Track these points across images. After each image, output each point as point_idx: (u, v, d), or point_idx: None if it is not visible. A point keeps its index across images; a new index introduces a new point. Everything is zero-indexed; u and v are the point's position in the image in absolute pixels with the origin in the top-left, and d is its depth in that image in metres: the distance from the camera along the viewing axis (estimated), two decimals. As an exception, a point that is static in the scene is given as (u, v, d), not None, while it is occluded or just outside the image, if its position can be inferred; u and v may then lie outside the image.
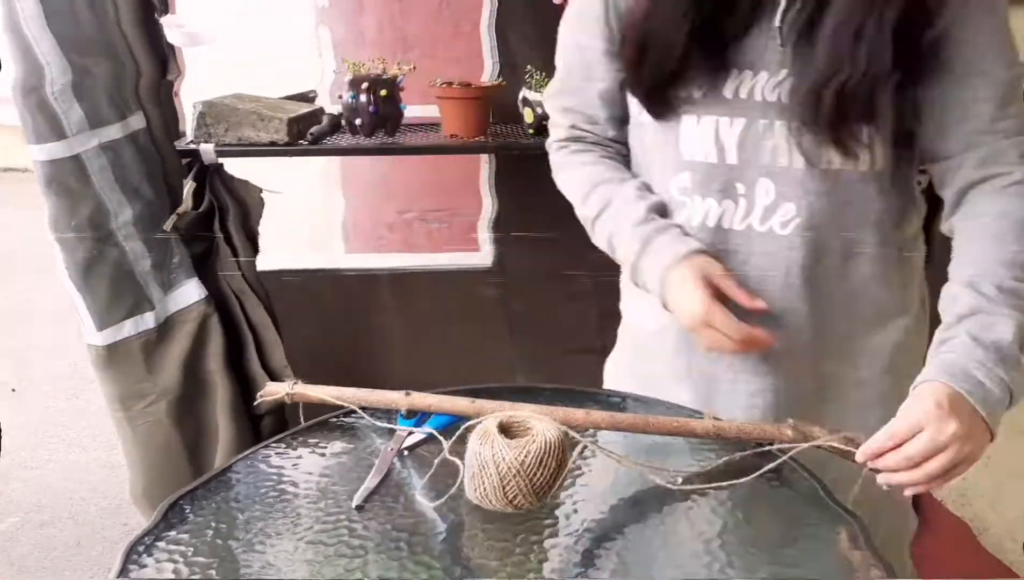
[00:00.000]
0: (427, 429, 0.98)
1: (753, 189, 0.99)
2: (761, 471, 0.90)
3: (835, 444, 0.90)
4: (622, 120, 1.11)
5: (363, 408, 1.03)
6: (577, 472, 0.93)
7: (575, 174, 1.14)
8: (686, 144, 1.01)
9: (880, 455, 0.84)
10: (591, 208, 1.11)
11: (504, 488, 0.83)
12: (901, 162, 1.02)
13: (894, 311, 1.08)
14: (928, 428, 0.81)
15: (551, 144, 1.18)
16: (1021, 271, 0.90)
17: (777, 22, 0.94)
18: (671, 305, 1.00)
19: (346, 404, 1.03)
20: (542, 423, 0.88)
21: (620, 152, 1.14)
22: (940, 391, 0.83)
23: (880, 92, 0.91)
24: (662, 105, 1.01)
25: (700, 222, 1.03)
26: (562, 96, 1.14)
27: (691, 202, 1.03)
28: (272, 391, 1.05)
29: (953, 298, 0.92)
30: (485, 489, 0.84)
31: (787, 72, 0.94)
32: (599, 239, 1.12)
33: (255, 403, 1.07)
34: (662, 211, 1.05)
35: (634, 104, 1.05)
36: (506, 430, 0.89)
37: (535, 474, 0.83)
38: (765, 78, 0.96)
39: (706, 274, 0.97)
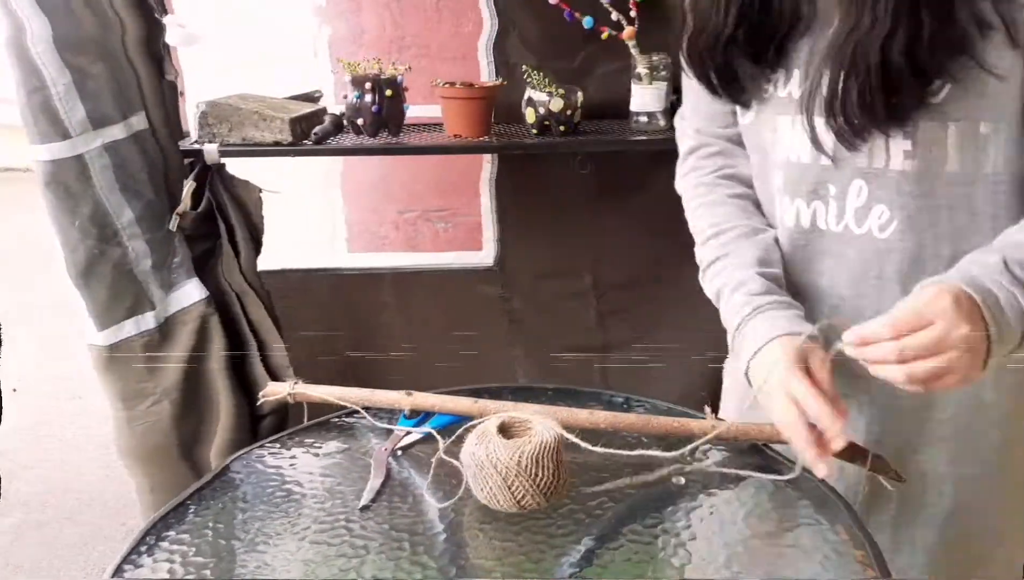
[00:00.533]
0: (426, 429, 0.97)
1: (846, 190, 0.95)
2: (781, 477, 0.89)
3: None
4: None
5: (365, 408, 1.03)
6: (577, 471, 0.92)
7: (701, 212, 1.10)
8: (785, 144, 0.98)
9: (871, 343, 0.80)
10: (708, 252, 1.07)
11: (510, 488, 0.83)
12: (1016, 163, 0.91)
13: None
14: (940, 322, 0.77)
15: (682, 153, 1.16)
16: None
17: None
18: (755, 384, 0.93)
19: (348, 404, 1.03)
20: (542, 423, 0.88)
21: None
22: (959, 292, 0.79)
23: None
24: (731, 91, 0.99)
25: (794, 223, 1.00)
26: (689, 118, 1.14)
27: (783, 202, 1.01)
28: (274, 391, 1.05)
29: (1008, 232, 0.88)
30: (491, 489, 0.84)
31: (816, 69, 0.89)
32: (708, 287, 1.07)
33: (257, 403, 1.07)
34: (774, 279, 1.00)
35: (747, 115, 1.03)
36: (506, 430, 0.88)
37: (536, 474, 0.83)
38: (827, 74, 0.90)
39: (801, 356, 0.89)
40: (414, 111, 1.79)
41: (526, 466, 0.83)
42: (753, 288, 0.97)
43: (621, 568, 0.78)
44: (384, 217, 2.17)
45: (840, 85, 0.86)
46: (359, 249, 2.20)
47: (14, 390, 3.19)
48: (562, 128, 1.74)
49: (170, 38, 1.65)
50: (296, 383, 1.04)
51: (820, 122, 0.91)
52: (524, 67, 1.74)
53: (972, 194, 0.91)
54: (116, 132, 1.58)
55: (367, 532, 0.83)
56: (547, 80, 1.71)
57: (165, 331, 1.70)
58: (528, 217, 2.10)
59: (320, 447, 1.00)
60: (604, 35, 1.83)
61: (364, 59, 1.71)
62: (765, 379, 0.90)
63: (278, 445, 1.01)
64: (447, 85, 1.77)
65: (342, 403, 1.03)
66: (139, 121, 1.63)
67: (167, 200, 1.70)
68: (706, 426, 0.95)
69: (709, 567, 0.78)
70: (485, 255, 2.14)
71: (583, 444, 0.90)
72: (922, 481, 1.01)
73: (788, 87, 0.96)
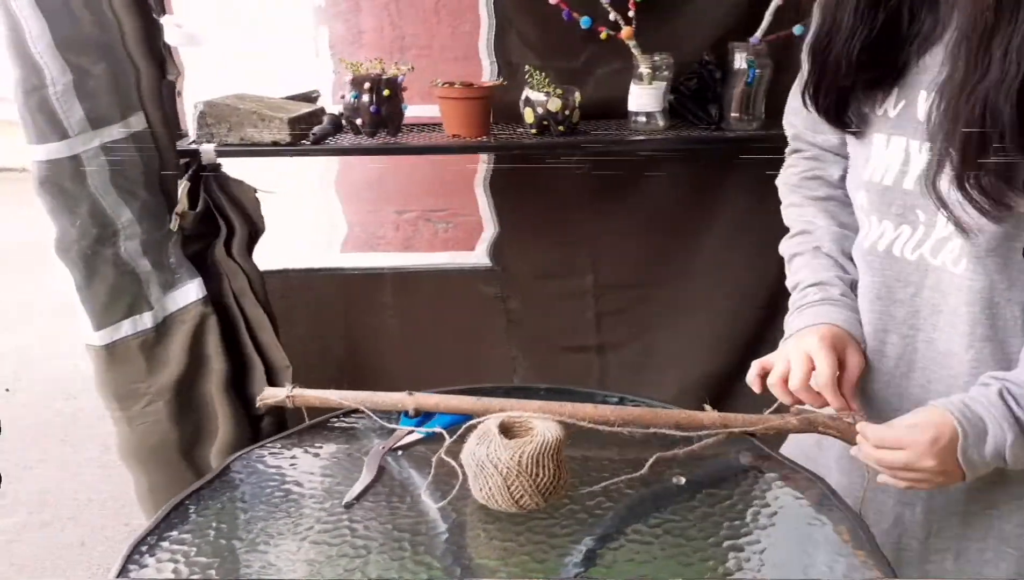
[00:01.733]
0: (425, 429, 0.97)
1: (934, 218, 0.91)
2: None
3: (836, 426, 0.93)
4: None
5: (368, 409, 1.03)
6: (577, 471, 0.93)
7: (786, 213, 1.14)
8: (872, 163, 0.97)
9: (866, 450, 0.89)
10: (790, 248, 1.10)
11: (509, 489, 0.83)
12: None
13: None
14: (908, 452, 0.86)
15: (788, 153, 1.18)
16: None
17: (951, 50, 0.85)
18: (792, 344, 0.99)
19: (349, 406, 1.03)
20: (543, 423, 0.88)
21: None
22: (942, 427, 0.86)
23: None
24: (840, 121, 0.98)
25: (871, 244, 0.99)
26: (790, 120, 1.15)
27: (868, 222, 1.00)
28: (271, 396, 1.04)
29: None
30: (491, 490, 0.84)
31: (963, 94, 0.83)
32: (789, 280, 1.10)
33: (256, 406, 1.07)
34: (842, 283, 1.04)
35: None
36: (507, 430, 0.89)
37: (536, 474, 0.83)
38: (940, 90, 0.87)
39: (840, 342, 0.97)
40: (412, 111, 1.79)
41: (527, 466, 0.83)
42: (831, 289, 1.03)
43: (624, 568, 0.78)
44: (383, 217, 2.18)
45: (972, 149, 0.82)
46: (357, 249, 2.21)
47: (7, 390, 3.19)
48: (560, 128, 1.74)
49: (168, 38, 1.65)
50: (294, 388, 1.04)
51: (949, 192, 0.86)
52: (527, 67, 1.74)
53: None
54: (114, 132, 1.57)
55: (369, 532, 0.83)
56: (546, 80, 1.71)
57: (162, 331, 1.69)
58: (526, 217, 2.10)
59: (321, 447, 1.01)
60: (603, 35, 1.83)
61: (365, 59, 1.71)
62: (798, 330, 0.99)
63: (279, 445, 1.01)
64: (446, 85, 1.77)
65: (343, 404, 1.03)
66: (137, 121, 1.63)
67: (164, 200, 1.70)
68: (715, 418, 0.95)
69: (711, 568, 0.79)
70: (483, 255, 2.14)
71: (601, 427, 0.91)
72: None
73: (884, 106, 0.94)
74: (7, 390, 3.19)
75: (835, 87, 0.95)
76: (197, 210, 1.71)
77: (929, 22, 0.90)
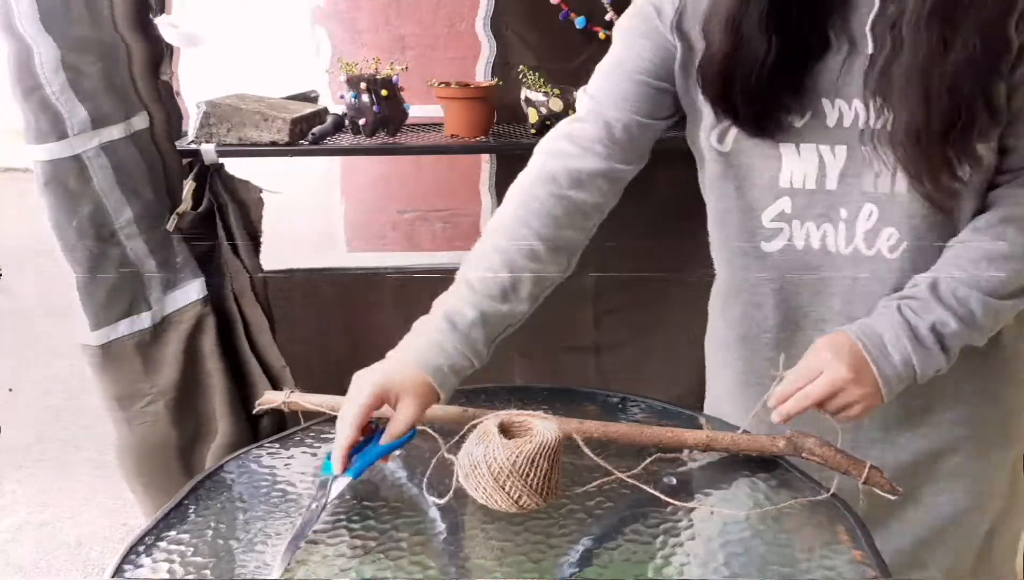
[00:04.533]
0: (345, 479, 0.87)
1: (856, 214, 0.98)
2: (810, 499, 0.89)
3: (822, 453, 0.91)
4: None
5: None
6: (573, 472, 0.93)
7: (520, 181, 1.08)
8: (786, 172, 0.99)
9: (787, 397, 0.92)
10: (480, 245, 1.02)
11: (504, 488, 0.83)
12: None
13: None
14: (824, 373, 0.90)
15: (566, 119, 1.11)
16: (984, 285, 0.92)
17: (870, 49, 0.92)
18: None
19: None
20: (543, 423, 0.88)
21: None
22: (841, 339, 0.92)
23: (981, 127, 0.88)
24: (764, 129, 0.98)
25: (804, 245, 1.02)
26: (595, 95, 1.07)
27: (789, 228, 1.02)
28: (269, 399, 1.06)
29: (914, 282, 0.95)
30: (487, 489, 0.84)
31: (881, 103, 0.91)
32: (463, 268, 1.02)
33: (254, 412, 1.08)
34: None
35: (714, 136, 1.01)
36: (507, 430, 0.88)
37: (528, 474, 0.83)
38: (861, 108, 0.94)
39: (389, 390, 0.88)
40: (413, 111, 1.79)
41: (520, 466, 0.83)
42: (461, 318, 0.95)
43: (621, 568, 0.78)
44: (383, 217, 2.17)
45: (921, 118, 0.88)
46: (358, 249, 2.21)
47: (10, 390, 3.19)
48: (561, 128, 1.74)
49: (166, 38, 1.65)
50: (292, 392, 1.05)
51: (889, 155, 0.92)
52: (520, 67, 1.74)
53: (976, 208, 0.96)
54: (114, 132, 1.57)
55: (366, 532, 0.83)
56: (542, 80, 1.71)
57: (159, 331, 1.69)
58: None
59: (319, 448, 1.01)
60: (601, 35, 1.83)
61: (363, 59, 1.71)
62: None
63: (277, 445, 1.01)
64: (443, 85, 1.77)
65: (336, 413, 1.01)
66: (138, 121, 1.63)
67: (166, 200, 1.70)
68: (700, 436, 0.95)
69: (709, 567, 0.79)
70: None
71: (586, 450, 0.90)
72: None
73: (790, 118, 0.96)
74: (10, 390, 3.19)
75: (754, 99, 0.95)
76: (198, 210, 1.71)
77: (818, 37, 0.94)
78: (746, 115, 0.97)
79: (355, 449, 0.87)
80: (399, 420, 0.87)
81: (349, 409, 0.86)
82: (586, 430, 0.95)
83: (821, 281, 1.02)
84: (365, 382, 0.88)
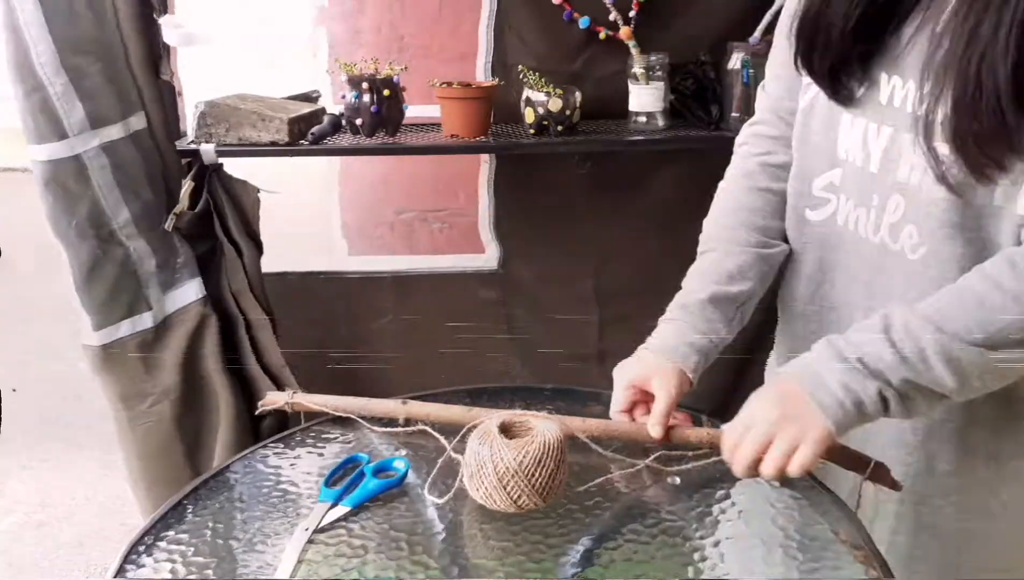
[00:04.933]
0: (344, 507, 0.87)
1: (885, 203, 0.92)
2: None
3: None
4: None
5: (362, 417, 1.04)
6: (576, 471, 0.93)
7: (723, 196, 1.13)
8: (842, 143, 0.96)
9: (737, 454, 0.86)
10: (703, 233, 1.11)
11: (506, 488, 0.83)
12: None
13: None
14: (753, 428, 0.84)
15: (746, 125, 1.16)
16: (949, 326, 0.81)
17: (940, 27, 0.83)
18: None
19: (345, 414, 1.04)
20: (544, 423, 0.88)
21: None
22: (773, 389, 0.88)
23: None
24: (835, 93, 0.94)
25: (843, 223, 0.98)
26: (762, 95, 1.13)
27: (836, 201, 0.98)
28: (272, 401, 1.07)
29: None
30: (487, 489, 0.84)
31: (933, 84, 0.82)
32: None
33: (257, 412, 1.09)
34: (722, 298, 1.03)
35: (805, 98, 1.00)
36: (507, 430, 0.89)
37: (533, 474, 0.83)
38: (913, 89, 0.86)
39: (644, 376, 0.98)
40: (412, 111, 1.79)
41: (527, 466, 0.83)
42: (690, 298, 1.03)
43: (621, 568, 0.78)
44: (382, 218, 2.17)
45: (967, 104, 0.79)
46: (357, 251, 2.20)
47: (13, 390, 3.19)
48: (560, 128, 1.74)
49: (168, 38, 1.65)
50: (295, 393, 1.05)
51: (943, 149, 0.83)
52: (520, 67, 1.75)
53: (999, 228, 0.85)
54: (114, 132, 1.58)
55: (366, 532, 0.83)
56: (543, 80, 1.71)
57: (161, 331, 1.70)
58: (527, 218, 2.09)
59: (323, 447, 1.01)
60: (601, 35, 1.83)
61: (363, 59, 1.71)
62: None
63: (281, 445, 1.01)
64: (444, 85, 1.77)
65: (339, 413, 1.04)
66: (137, 121, 1.63)
67: (166, 200, 1.70)
68: (702, 434, 0.95)
69: (709, 567, 0.79)
70: (486, 258, 2.13)
71: (593, 446, 0.92)
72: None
73: (849, 86, 0.93)
74: (14, 390, 3.19)
75: (828, 56, 0.92)
76: (195, 210, 1.71)
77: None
78: (820, 71, 0.94)
79: (351, 480, 0.90)
80: (658, 406, 0.95)
81: (613, 404, 1.00)
82: (588, 428, 0.95)
83: (852, 266, 0.98)
84: (620, 376, 1.01)
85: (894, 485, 0.91)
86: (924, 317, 0.82)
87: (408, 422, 1.02)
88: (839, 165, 0.97)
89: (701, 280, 1.05)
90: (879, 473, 0.89)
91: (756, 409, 0.86)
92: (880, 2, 0.88)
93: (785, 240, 1.08)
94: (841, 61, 0.92)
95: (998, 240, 0.85)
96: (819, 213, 1.01)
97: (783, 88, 1.07)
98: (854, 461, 0.89)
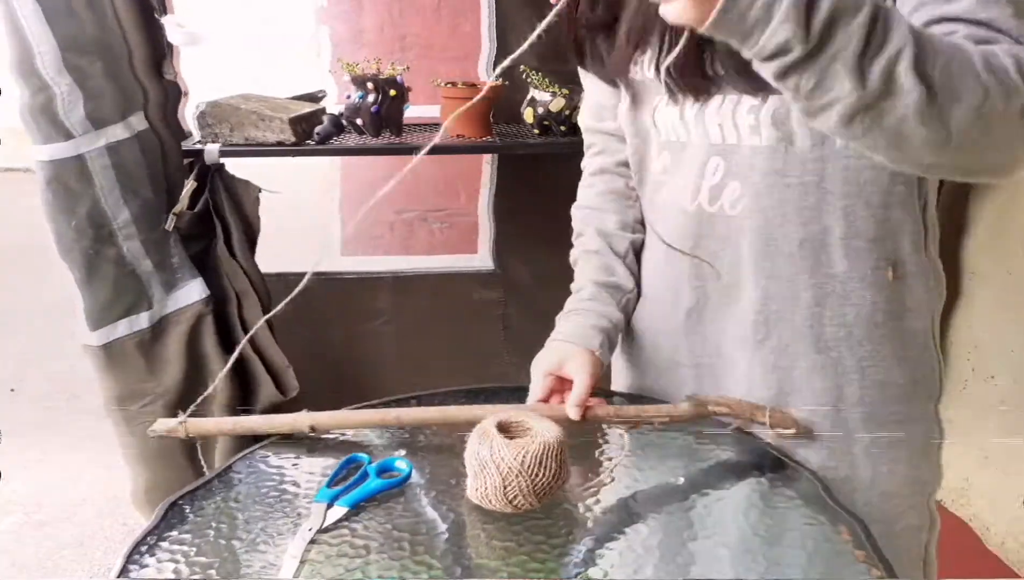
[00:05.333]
0: (342, 508, 0.87)
1: (703, 167, 0.96)
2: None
3: (727, 403, 0.95)
4: None
5: (267, 435, 1.01)
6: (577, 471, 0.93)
7: (577, 212, 1.21)
8: (661, 124, 1.01)
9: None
10: (572, 254, 1.18)
11: (505, 489, 0.83)
12: None
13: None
14: None
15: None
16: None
17: None
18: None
19: (245, 433, 1.01)
20: (541, 423, 0.88)
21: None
22: None
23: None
24: (625, 84, 1.02)
25: (673, 201, 1.01)
26: (582, 116, 1.21)
27: (669, 180, 1.02)
28: (164, 427, 0.99)
29: None
30: (486, 489, 0.84)
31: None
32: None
33: (148, 433, 1.01)
34: (608, 286, 1.09)
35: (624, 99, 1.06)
36: (505, 430, 0.89)
37: (536, 474, 0.83)
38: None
39: (559, 363, 1.01)
40: (414, 111, 1.79)
41: (529, 466, 0.83)
42: (581, 294, 1.09)
43: (623, 568, 0.79)
44: (382, 218, 2.17)
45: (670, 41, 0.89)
46: (356, 251, 2.20)
47: (12, 390, 3.19)
48: (562, 128, 1.74)
49: (170, 38, 1.65)
50: (186, 418, 0.98)
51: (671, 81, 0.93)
52: (523, 68, 1.75)
53: (822, 172, 0.90)
54: (117, 132, 1.58)
55: (368, 532, 0.83)
56: (547, 81, 1.71)
57: (158, 331, 1.69)
58: (527, 219, 2.09)
59: (324, 447, 1.01)
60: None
61: (364, 59, 1.71)
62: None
63: (282, 445, 1.01)
64: (449, 85, 1.77)
65: (237, 434, 1.00)
66: (140, 121, 1.63)
67: (167, 200, 1.70)
68: (609, 411, 0.97)
69: (710, 567, 0.79)
70: (483, 258, 2.14)
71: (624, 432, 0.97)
72: None
73: (639, 63, 0.98)
74: (12, 390, 3.19)
75: (577, 32, 1.02)
76: (195, 210, 1.71)
77: None
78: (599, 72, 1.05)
79: (354, 481, 0.90)
80: (576, 389, 0.96)
81: (531, 394, 1.02)
82: (507, 415, 0.92)
83: (699, 238, 1.00)
84: (537, 367, 1.03)
85: (798, 428, 0.94)
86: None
87: (313, 429, 0.99)
88: (664, 148, 1.02)
89: (582, 277, 1.13)
90: (777, 417, 0.93)
91: None
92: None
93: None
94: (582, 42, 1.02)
95: (822, 184, 0.90)
96: (660, 195, 1.05)
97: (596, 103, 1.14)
98: (752, 410, 0.93)
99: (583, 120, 1.19)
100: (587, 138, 1.19)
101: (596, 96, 1.12)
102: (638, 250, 1.12)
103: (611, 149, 1.15)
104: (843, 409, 0.97)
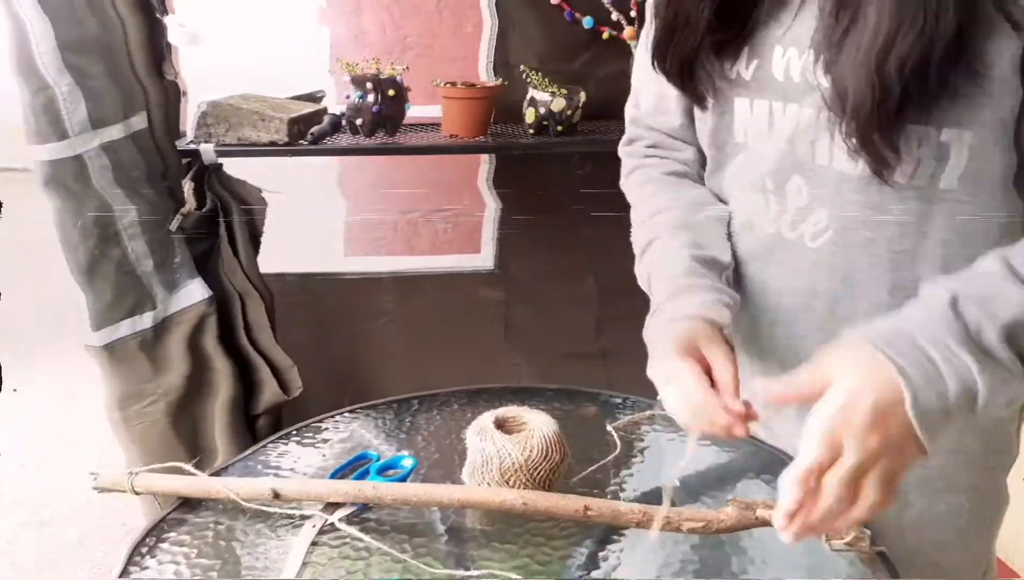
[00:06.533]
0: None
1: (784, 187, 0.84)
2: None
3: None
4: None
5: (267, 436, 1.01)
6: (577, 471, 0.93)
7: (632, 195, 1.03)
8: (739, 131, 0.89)
9: (796, 512, 0.63)
10: (638, 240, 0.97)
11: (507, 483, 0.84)
12: (982, 181, 0.75)
13: None
14: (850, 452, 0.61)
15: (621, 147, 1.09)
16: None
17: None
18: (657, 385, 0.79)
19: (197, 495, 0.89)
20: (538, 418, 0.89)
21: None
22: (873, 383, 0.61)
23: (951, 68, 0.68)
24: (694, 89, 0.89)
25: (745, 218, 0.90)
26: (634, 95, 1.06)
27: (739, 190, 0.91)
28: (111, 480, 0.93)
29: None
30: (487, 485, 0.85)
31: (830, 50, 0.74)
32: (640, 277, 0.95)
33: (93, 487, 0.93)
34: (706, 261, 0.88)
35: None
36: (502, 426, 0.90)
37: (538, 467, 0.84)
38: (810, 57, 0.77)
39: (692, 345, 0.77)
40: (414, 111, 1.79)
41: (533, 460, 0.84)
42: (677, 270, 0.87)
43: (625, 569, 0.78)
44: (383, 219, 2.17)
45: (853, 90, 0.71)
46: (357, 252, 2.20)
47: (15, 390, 3.19)
48: (560, 128, 1.74)
49: (171, 38, 1.65)
50: (135, 473, 0.91)
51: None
52: (522, 68, 1.74)
53: (925, 214, 0.77)
54: (114, 132, 1.57)
55: (368, 533, 0.83)
56: (547, 81, 1.71)
57: (160, 331, 1.69)
58: (527, 218, 2.09)
59: (324, 447, 1.01)
60: (605, 35, 1.83)
61: (364, 59, 1.71)
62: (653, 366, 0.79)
63: (282, 444, 1.01)
64: (448, 85, 1.77)
65: (184, 496, 0.89)
66: (138, 121, 1.63)
67: (167, 200, 1.70)
68: (635, 513, 0.79)
69: (710, 567, 0.79)
70: (484, 258, 2.13)
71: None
72: None
73: (736, 67, 0.85)
74: (15, 390, 3.19)
75: (683, 48, 0.85)
76: (202, 210, 1.71)
77: None
78: (672, 71, 0.88)
79: (357, 477, 0.90)
80: (722, 366, 0.75)
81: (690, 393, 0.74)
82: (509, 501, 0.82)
83: (759, 260, 0.89)
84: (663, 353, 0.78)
85: (869, 554, 0.78)
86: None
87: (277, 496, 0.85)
88: (741, 151, 0.90)
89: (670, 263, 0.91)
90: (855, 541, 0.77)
91: (849, 437, 0.61)
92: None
93: None
94: (693, 59, 0.85)
95: (923, 227, 0.78)
96: (732, 211, 0.93)
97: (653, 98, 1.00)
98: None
99: (636, 105, 1.05)
100: (633, 130, 1.06)
101: (657, 90, 0.98)
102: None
103: (668, 146, 1.03)
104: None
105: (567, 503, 0.80)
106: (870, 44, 0.69)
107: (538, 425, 0.87)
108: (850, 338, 0.66)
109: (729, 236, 0.93)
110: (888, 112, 0.70)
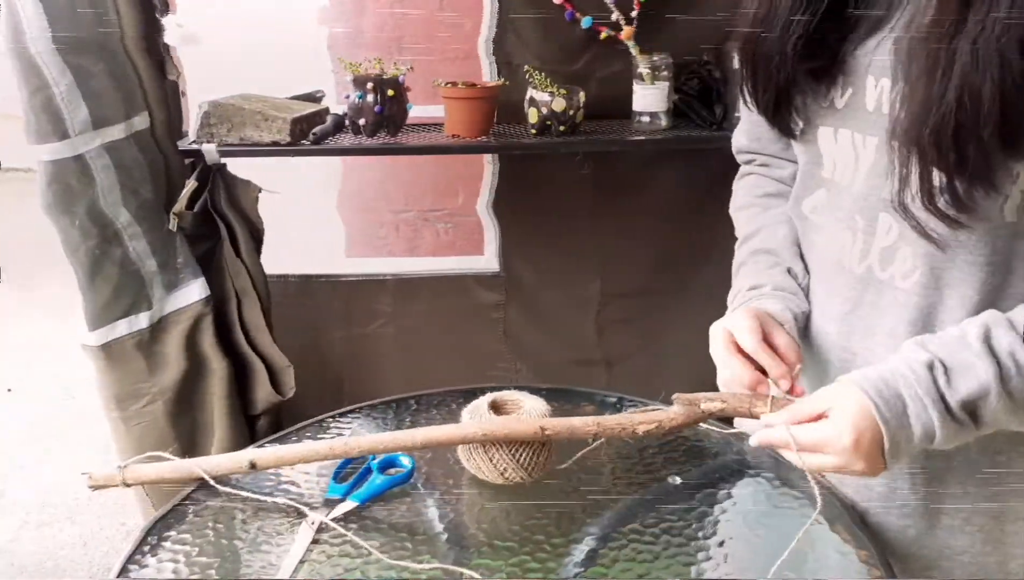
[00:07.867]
0: (352, 503, 0.87)
1: (874, 224, 0.82)
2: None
3: (721, 402, 0.84)
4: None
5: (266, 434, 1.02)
6: (576, 470, 0.93)
7: (742, 214, 1.06)
8: (826, 159, 0.87)
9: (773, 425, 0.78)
10: (737, 258, 1.02)
11: (492, 461, 0.87)
12: None
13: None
14: (832, 455, 0.74)
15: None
16: None
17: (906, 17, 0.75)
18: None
19: (187, 477, 0.90)
20: (532, 401, 0.92)
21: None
22: (861, 421, 0.73)
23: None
24: (780, 118, 0.88)
25: (836, 251, 0.88)
26: (737, 135, 1.08)
27: (826, 225, 0.89)
28: (103, 476, 0.92)
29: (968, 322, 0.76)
30: (479, 463, 0.89)
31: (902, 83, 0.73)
32: (730, 301, 0.99)
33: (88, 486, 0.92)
34: (782, 283, 0.93)
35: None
36: (498, 407, 0.93)
37: (517, 449, 0.87)
38: (904, 89, 0.74)
39: (763, 314, 0.86)
40: (417, 111, 1.79)
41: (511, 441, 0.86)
42: (763, 289, 0.93)
43: (624, 568, 0.78)
44: (384, 219, 2.17)
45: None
46: (358, 253, 2.20)
47: (8, 390, 3.19)
48: (562, 128, 1.74)
49: (170, 37, 1.65)
50: (125, 467, 0.91)
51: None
52: (526, 68, 1.74)
53: (1012, 251, 0.76)
54: (116, 132, 1.57)
55: (367, 532, 0.83)
56: (548, 80, 1.71)
57: (157, 331, 1.69)
58: (529, 219, 2.09)
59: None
60: (603, 35, 1.83)
61: (365, 59, 1.71)
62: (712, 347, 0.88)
63: (279, 444, 1.01)
64: (449, 85, 1.77)
65: (175, 478, 0.90)
66: (140, 121, 1.63)
67: (168, 200, 1.70)
68: (589, 423, 0.86)
69: (711, 568, 0.79)
70: (484, 259, 2.13)
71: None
72: None
73: (831, 96, 0.84)
74: (9, 390, 3.19)
75: (773, 81, 0.85)
76: (193, 211, 1.71)
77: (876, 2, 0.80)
78: (763, 104, 0.88)
79: (358, 476, 0.91)
80: (787, 345, 0.84)
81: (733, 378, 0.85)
82: (541, 426, 0.87)
83: (831, 295, 0.90)
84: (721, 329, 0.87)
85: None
86: None
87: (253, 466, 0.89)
88: (823, 185, 0.89)
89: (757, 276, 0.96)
90: (780, 406, 0.82)
91: (838, 449, 0.73)
92: (823, 26, 0.80)
93: None
94: (783, 91, 0.85)
95: (1011, 261, 0.77)
96: (815, 237, 0.92)
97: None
98: (752, 402, 0.83)
99: (738, 141, 1.07)
100: (742, 157, 1.09)
101: (754, 121, 0.99)
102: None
103: (774, 165, 1.03)
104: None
105: (524, 426, 0.86)
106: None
107: (529, 408, 0.91)
108: (847, 379, 0.76)
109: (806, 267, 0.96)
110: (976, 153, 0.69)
